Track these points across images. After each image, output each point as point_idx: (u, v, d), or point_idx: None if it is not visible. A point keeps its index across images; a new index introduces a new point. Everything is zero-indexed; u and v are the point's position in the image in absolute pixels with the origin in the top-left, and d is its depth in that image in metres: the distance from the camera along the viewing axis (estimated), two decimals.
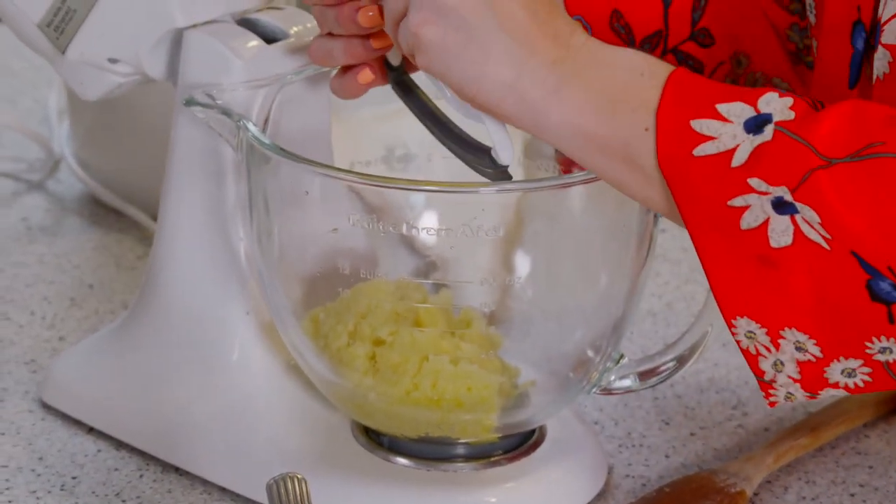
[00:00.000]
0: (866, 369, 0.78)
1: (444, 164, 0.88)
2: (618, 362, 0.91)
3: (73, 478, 0.93)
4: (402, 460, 0.90)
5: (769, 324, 0.78)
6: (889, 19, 0.81)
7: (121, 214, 1.20)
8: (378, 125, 0.94)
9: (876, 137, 0.75)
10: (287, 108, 0.90)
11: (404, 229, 0.84)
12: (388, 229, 0.84)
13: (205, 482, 0.93)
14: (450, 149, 0.85)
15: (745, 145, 0.76)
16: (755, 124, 0.76)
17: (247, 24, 0.92)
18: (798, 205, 0.75)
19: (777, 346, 0.78)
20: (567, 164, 0.91)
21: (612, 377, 0.91)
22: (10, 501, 0.91)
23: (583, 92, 0.78)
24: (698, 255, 0.78)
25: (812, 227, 0.75)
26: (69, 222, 1.20)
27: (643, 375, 0.91)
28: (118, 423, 0.95)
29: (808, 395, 0.79)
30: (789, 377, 0.79)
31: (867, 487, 0.94)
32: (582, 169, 0.82)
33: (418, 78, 0.86)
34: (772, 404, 0.80)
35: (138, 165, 1.18)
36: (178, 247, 0.93)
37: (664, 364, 0.91)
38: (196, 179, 0.91)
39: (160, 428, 0.93)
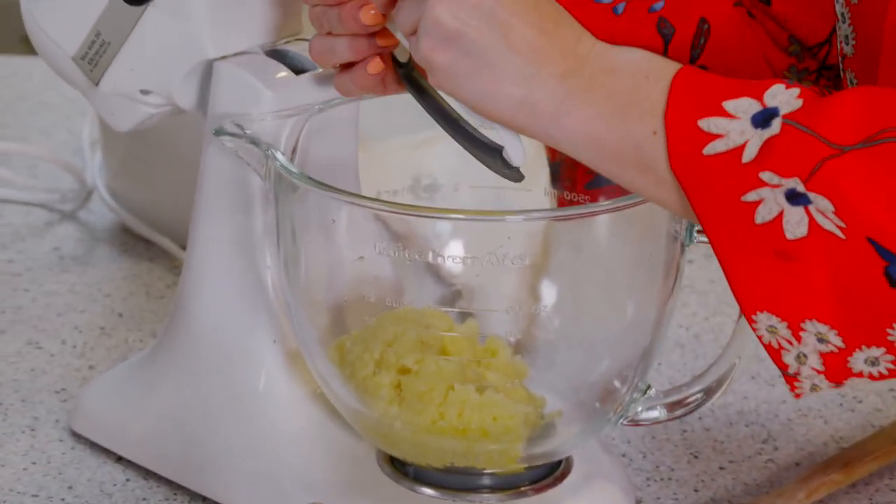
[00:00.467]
0: (889, 357, 0.77)
1: (471, 193, 0.88)
2: (645, 393, 0.91)
3: None
4: (427, 490, 0.90)
5: (790, 317, 0.77)
6: None
7: (151, 244, 1.21)
8: (405, 155, 0.94)
9: (890, 123, 0.75)
10: (315, 137, 0.90)
11: (430, 257, 0.84)
12: (414, 257, 0.84)
13: None
14: (462, 145, 0.85)
15: (754, 140, 0.76)
16: (762, 119, 0.76)
17: (276, 55, 0.92)
18: (811, 195, 0.75)
19: (799, 339, 0.78)
20: (595, 194, 0.91)
21: (639, 408, 0.91)
22: None
23: (592, 101, 0.79)
24: (715, 252, 0.78)
25: (826, 216, 0.75)
26: (100, 252, 1.21)
27: (671, 407, 0.91)
28: (146, 452, 0.96)
29: (832, 385, 0.79)
30: (813, 369, 0.79)
31: None
32: (608, 198, 0.82)
33: None
34: (797, 395, 0.80)
35: (168, 195, 1.19)
36: (206, 275, 0.93)
37: (692, 396, 0.91)
38: (224, 209, 0.92)
39: (188, 457, 0.93)
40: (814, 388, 0.80)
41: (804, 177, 0.75)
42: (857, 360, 0.78)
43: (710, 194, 0.77)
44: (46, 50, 0.94)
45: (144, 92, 0.93)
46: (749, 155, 0.76)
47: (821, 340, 0.78)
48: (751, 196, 0.76)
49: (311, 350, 0.89)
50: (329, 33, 0.86)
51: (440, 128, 0.85)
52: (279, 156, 0.87)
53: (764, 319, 0.78)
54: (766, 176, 0.76)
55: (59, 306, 1.13)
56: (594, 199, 0.90)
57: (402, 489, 0.90)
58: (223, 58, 0.91)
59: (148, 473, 0.96)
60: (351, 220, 0.86)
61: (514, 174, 0.83)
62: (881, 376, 0.78)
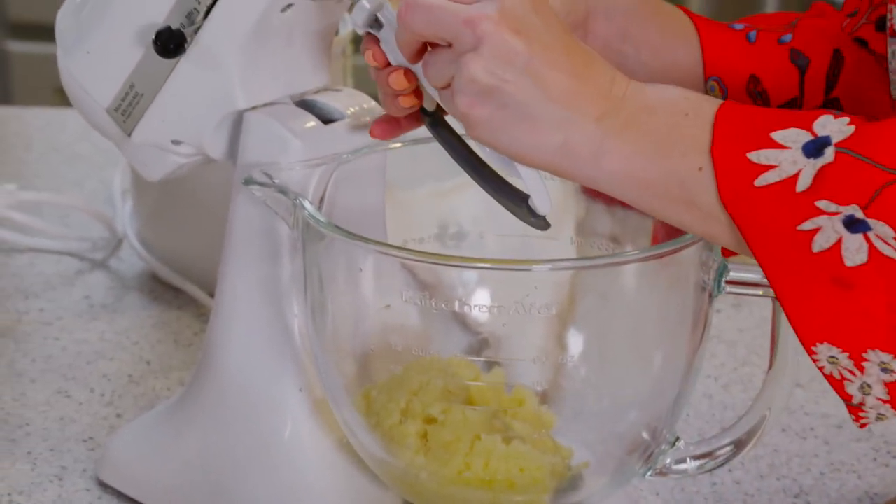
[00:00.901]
0: None
1: (497, 241, 0.88)
2: (673, 445, 0.90)
3: None
4: None
5: (851, 347, 0.77)
6: None
7: (179, 291, 1.21)
8: (431, 203, 0.94)
9: None
10: (342, 186, 0.90)
11: (457, 306, 0.83)
12: (441, 306, 0.83)
13: None
14: (488, 193, 0.85)
15: (808, 169, 0.76)
16: (814, 148, 0.76)
17: (305, 105, 0.93)
18: (871, 221, 0.75)
19: (861, 370, 0.77)
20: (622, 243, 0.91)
21: (668, 460, 0.90)
22: None
23: (630, 140, 0.79)
24: (771, 284, 0.78)
25: (887, 242, 0.75)
26: (130, 299, 1.21)
27: (700, 459, 0.90)
28: (173, 502, 0.95)
29: None
30: (878, 399, 0.78)
31: None
32: (635, 248, 0.82)
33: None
34: (863, 426, 0.80)
35: (197, 243, 1.19)
36: (233, 323, 0.93)
37: (721, 448, 0.90)
38: (252, 257, 0.92)
39: None
40: (879, 417, 0.79)
41: (863, 203, 0.75)
42: None
43: (765, 226, 0.77)
44: (81, 102, 0.95)
45: (176, 142, 0.94)
46: (803, 184, 0.76)
47: (885, 370, 0.77)
48: (807, 225, 0.76)
49: (338, 398, 0.89)
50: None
51: (466, 175, 0.85)
52: (307, 204, 0.87)
53: (824, 350, 0.78)
54: (822, 204, 0.76)
55: (88, 354, 1.14)
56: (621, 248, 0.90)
57: None
58: (253, 108, 0.92)
59: None
60: (377, 269, 0.86)
61: (540, 222, 0.83)
62: None
